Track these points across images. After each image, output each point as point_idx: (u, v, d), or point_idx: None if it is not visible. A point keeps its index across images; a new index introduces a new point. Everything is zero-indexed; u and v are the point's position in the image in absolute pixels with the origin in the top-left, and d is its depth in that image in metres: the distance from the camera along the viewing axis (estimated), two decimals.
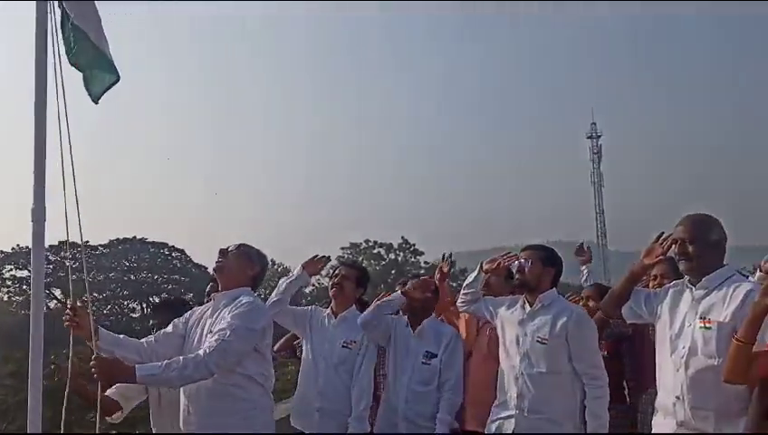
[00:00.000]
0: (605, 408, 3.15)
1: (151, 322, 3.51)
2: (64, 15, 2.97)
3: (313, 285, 31.18)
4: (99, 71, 3.04)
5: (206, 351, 2.76)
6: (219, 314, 2.98)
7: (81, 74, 3.04)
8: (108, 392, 3.16)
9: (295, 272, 3.88)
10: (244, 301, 2.96)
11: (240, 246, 3.19)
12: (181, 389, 2.97)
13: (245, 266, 3.14)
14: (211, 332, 2.91)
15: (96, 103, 3.06)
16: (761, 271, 3.60)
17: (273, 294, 3.81)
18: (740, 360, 2.31)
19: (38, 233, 2.75)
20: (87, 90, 3.07)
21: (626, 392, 4.02)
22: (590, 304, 3.91)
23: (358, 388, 3.61)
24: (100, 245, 35.70)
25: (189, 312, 3.22)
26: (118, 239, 36.53)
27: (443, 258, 4.02)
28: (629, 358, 3.97)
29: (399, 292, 3.77)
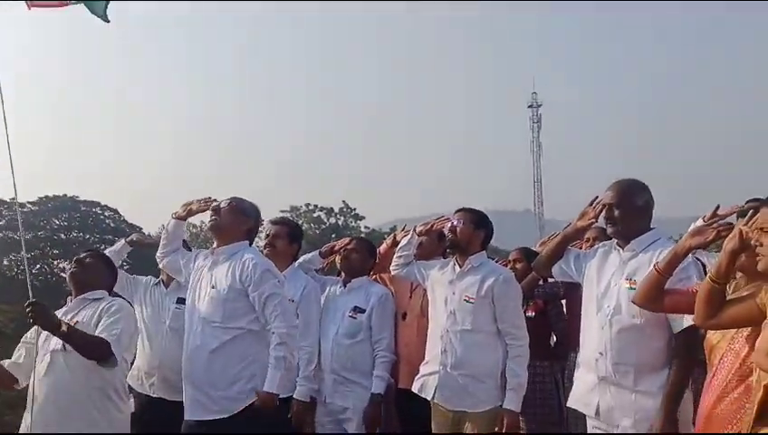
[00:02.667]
0: (524, 366, 3.28)
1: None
2: None
3: None
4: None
5: (280, 322, 3.01)
6: (219, 268, 3.14)
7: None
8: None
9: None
10: (252, 260, 3.09)
11: (231, 201, 3.24)
12: (184, 350, 3.16)
13: (239, 222, 3.22)
14: (214, 286, 3.09)
15: (108, 21, 3.30)
16: (702, 220, 3.67)
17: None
18: (652, 288, 2.48)
19: None
20: (95, 14, 3.31)
21: (552, 351, 4.21)
22: (518, 266, 4.08)
23: (306, 348, 3.62)
24: (28, 202, 34.27)
25: (195, 253, 3.41)
26: (47, 196, 35.10)
27: (402, 228, 4.10)
28: (556, 318, 4.15)
29: (317, 252, 4.03)
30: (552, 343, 4.23)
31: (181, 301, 3.81)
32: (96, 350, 2.84)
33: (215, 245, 3.22)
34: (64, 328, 2.79)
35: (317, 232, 42.35)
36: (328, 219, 44.43)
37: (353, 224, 44.35)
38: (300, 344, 3.60)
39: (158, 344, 3.87)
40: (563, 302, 4.18)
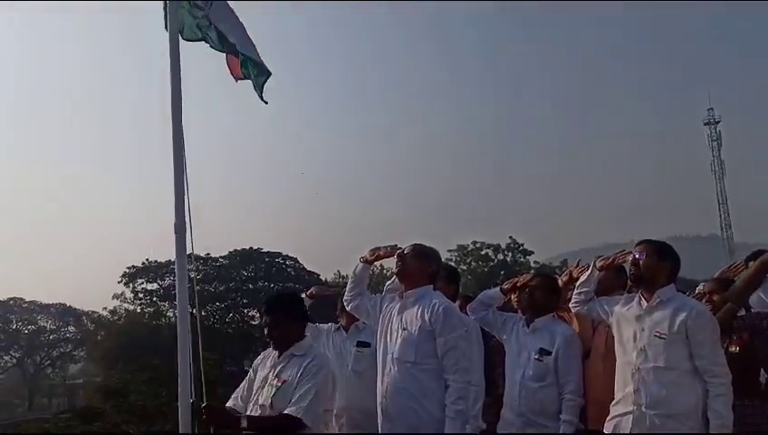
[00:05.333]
0: (728, 406, 3.04)
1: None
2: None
3: None
4: (253, 75, 3.47)
5: (459, 376, 3.18)
6: (408, 311, 3.33)
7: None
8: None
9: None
10: (441, 305, 3.27)
11: (414, 247, 3.47)
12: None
13: (423, 266, 3.43)
14: (405, 328, 3.28)
15: (266, 103, 3.54)
16: None
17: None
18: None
19: (180, 244, 3.03)
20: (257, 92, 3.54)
21: (762, 388, 3.83)
22: (715, 298, 3.79)
23: (472, 388, 3.55)
24: (220, 257, 37.56)
25: (380, 296, 3.63)
26: (236, 250, 38.27)
27: (576, 265, 4.00)
28: (765, 350, 3.79)
29: (498, 289, 4.03)
30: (764, 380, 3.85)
31: (361, 344, 4.06)
32: (284, 429, 3.00)
33: (402, 289, 3.40)
34: (244, 423, 2.98)
35: (485, 270, 41.99)
36: (496, 256, 43.92)
37: (522, 259, 43.45)
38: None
39: (343, 387, 4.07)
40: None
